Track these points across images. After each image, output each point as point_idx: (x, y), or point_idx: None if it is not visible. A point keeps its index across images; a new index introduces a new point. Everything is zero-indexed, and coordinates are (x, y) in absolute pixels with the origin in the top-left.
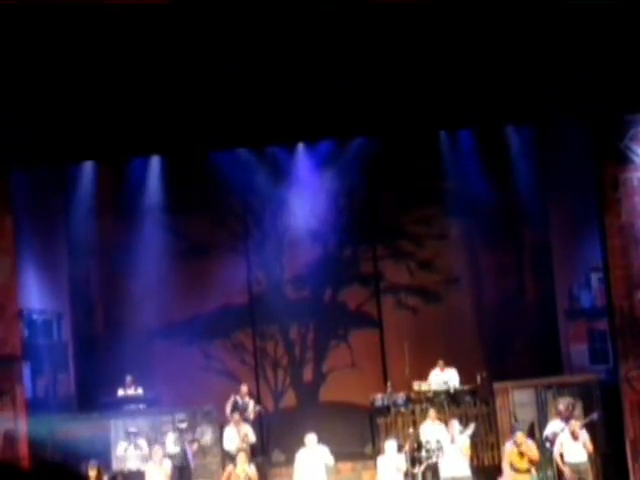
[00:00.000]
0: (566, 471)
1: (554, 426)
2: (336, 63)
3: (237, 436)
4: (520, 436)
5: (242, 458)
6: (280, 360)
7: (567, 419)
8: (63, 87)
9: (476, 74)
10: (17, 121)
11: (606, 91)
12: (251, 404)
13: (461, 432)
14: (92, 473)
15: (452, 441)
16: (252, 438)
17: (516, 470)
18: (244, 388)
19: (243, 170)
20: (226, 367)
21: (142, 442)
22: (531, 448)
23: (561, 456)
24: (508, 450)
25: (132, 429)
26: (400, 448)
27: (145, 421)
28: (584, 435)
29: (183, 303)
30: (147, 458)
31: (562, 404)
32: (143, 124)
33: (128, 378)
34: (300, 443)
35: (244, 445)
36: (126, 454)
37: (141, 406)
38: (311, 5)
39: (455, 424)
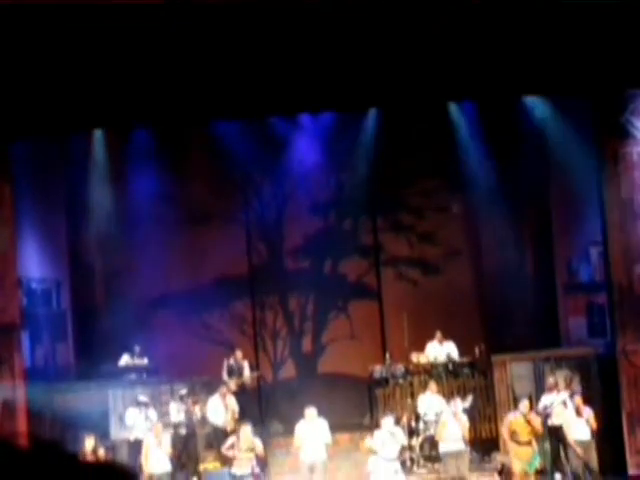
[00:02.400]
0: (575, 447)
1: (545, 400)
2: (338, 34)
3: (223, 409)
4: (526, 404)
5: (247, 431)
6: (279, 331)
7: (566, 391)
8: (64, 56)
9: (479, 47)
10: (17, 90)
11: (607, 66)
12: (246, 366)
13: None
14: (89, 444)
15: (454, 416)
16: (237, 410)
17: (518, 442)
18: (238, 353)
19: (244, 140)
20: (225, 337)
21: (152, 413)
22: (535, 418)
23: (561, 429)
24: (511, 419)
25: (143, 398)
26: (398, 421)
27: (144, 391)
28: (588, 412)
29: (182, 273)
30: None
31: (552, 377)
32: (143, 93)
33: (136, 348)
34: (299, 414)
35: (229, 418)
36: (135, 423)
37: (133, 376)
38: None
39: (458, 402)
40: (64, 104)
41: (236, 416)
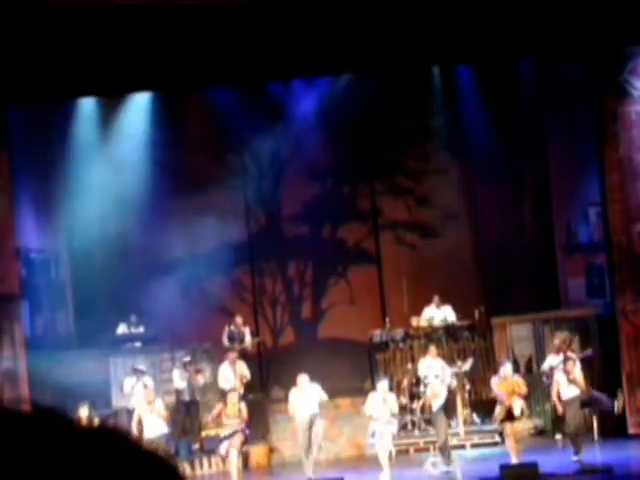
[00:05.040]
0: (559, 408)
1: (551, 361)
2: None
3: (233, 375)
4: (506, 369)
5: (233, 398)
6: (279, 297)
7: (565, 353)
8: (59, 24)
9: (475, 9)
10: (14, 57)
11: (605, 25)
12: (247, 333)
13: (459, 367)
14: (83, 413)
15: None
16: (248, 376)
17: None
18: (239, 319)
19: (241, 106)
20: (225, 304)
21: (149, 380)
22: (518, 382)
23: (558, 393)
24: (496, 382)
25: (140, 367)
26: (398, 385)
27: (144, 359)
28: (577, 371)
29: (181, 240)
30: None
31: (558, 338)
32: (140, 59)
33: (133, 318)
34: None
35: (238, 384)
36: (133, 391)
37: (138, 344)
38: None
39: (447, 370)
40: (60, 72)
41: (244, 381)
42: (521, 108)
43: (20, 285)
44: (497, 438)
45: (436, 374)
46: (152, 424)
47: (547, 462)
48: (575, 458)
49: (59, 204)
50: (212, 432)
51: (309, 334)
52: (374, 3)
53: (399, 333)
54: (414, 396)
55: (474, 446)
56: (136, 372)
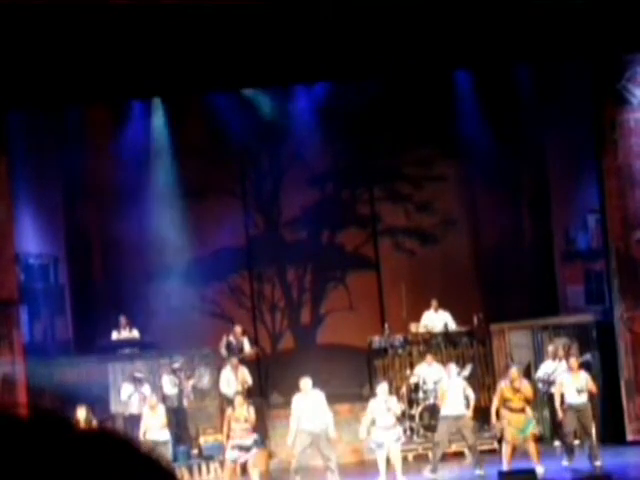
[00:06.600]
0: (560, 412)
1: (546, 367)
2: (334, 4)
3: (235, 380)
4: (514, 372)
5: (239, 401)
6: (277, 303)
7: (566, 359)
8: (61, 27)
9: (475, 14)
10: (14, 62)
11: (604, 32)
12: (246, 343)
13: (458, 374)
14: (81, 414)
15: (449, 379)
16: (249, 381)
17: (510, 409)
18: (238, 328)
19: (240, 112)
20: (223, 310)
21: (146, 389)
22: (525, 385)
23: (561, 397)
24: (502, 387)
25: (138, 374)
26: (393, 389)
27: (143, 364)
28: (585, 376)
29: (180, 246)
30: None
31: (552, 345)
32: (141, 65)
33: (122, 319)
34: (298, 385)
35: (240, 389)
36: (130, 400)
37: (138, 350)
38: None
39: (452, 367)
40: (59, 76)
41: (246, 386)
42: (520, 115)
43: (19, 290)
44: (495, 444)
45: (435, 380)
46: (154, 430)
47: (545, 469)
48: (566, 463)
49: (58, 209)
50: (211, 438)
51: (308, 340)
52: (372, 8)
53: (398, 339)
54: (413, 402)
55: None
56: (134, 380)
